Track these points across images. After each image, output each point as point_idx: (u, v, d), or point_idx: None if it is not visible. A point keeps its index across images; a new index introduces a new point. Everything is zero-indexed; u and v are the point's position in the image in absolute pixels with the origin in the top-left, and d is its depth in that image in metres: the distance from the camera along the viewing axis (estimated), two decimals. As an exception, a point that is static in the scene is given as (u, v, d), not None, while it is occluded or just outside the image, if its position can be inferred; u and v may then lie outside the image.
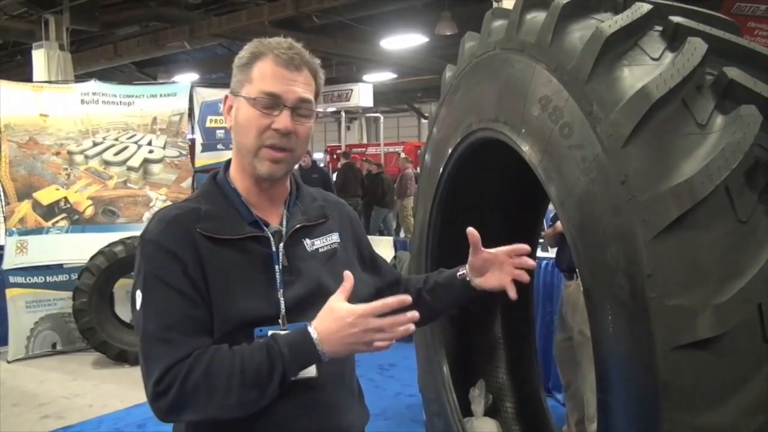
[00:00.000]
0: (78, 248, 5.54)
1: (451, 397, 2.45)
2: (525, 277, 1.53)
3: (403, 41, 11.22)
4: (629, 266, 1.31)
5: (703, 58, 1.32)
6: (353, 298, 1.26)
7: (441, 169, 2.32)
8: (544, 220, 3.13)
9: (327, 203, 1.47)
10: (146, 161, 5.97)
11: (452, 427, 2.41)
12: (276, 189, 1.37)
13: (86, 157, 5.84)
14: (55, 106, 5.82)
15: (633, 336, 1.33)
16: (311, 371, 1.25)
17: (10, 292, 5.51)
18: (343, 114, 16.24)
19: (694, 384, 1.23)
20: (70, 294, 5.33)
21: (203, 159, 6.12)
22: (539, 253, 3.39)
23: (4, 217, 5.65)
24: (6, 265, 5.51)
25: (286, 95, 1.27)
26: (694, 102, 1.31)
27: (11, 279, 5.52)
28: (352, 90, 13.91)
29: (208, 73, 13.94)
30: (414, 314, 1.21)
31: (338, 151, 15.64)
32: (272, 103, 1.27)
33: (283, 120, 1.27)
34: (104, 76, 8.86)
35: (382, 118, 18.52)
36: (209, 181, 1.39)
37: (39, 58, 9.10)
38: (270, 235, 1.32)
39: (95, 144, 5.88)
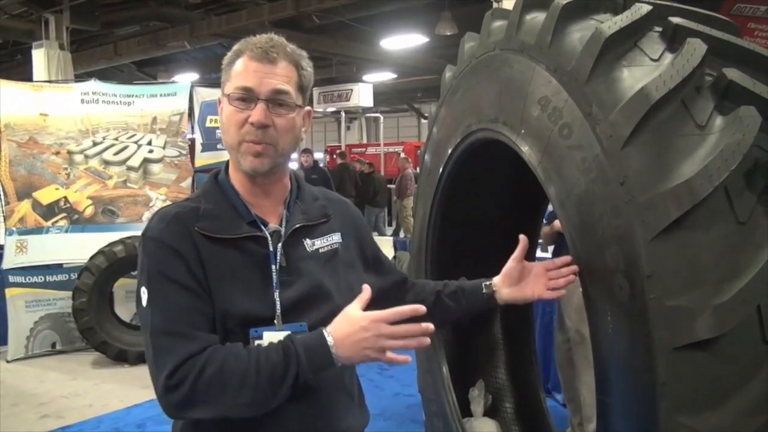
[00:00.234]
0: (78, 248, 5.54)
1: (451, 398, 2.45)
2: (561, 293, 1.55)
3: (403, 41, 11.23)
4: (629, 267, 1.31)
5: (703, 59, 1.32)
6: (353, 299, 1.26)
7: (441, 170, 2.32)
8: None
9: (329, 203, 1.47)
10: (146, 161, 5.97)
11: (451, 427, 2.41)
12: (273, 187, 1.37)
13: (86, 156, 5.84)
14: (55, 105, 5.82)
15: (632, 337, 1.33)
16: None
17: (9, 292, 5.51)
18: (343, 114, 16.26)
19: (693, 385, 1.23)
20: (69, 294, 5.32)
21: (203, 159, 6.11)
22: (538, 253, 3.38)
23: (3, 216, 5.64)
24: (6, 265, 5.50)
25: (259, 88, 1.27)
26: (693, 103, 1.31)
27: (11, 278, 5.51)
28: (352, 90, 13.92)
29: (208, 73, 13.95)
30: (429, 326, 1.20)
31: (337, 151, 15.66)
32: (246, 96, 1.27)
33: (257, 113, 1.26)
34: (104, 76, 8.85)
35: (381, 118, 18.55)
36: (210, 180, 1.39)
37: (39, 57, 9.11)
38: (268, 235, 1.32)
39: (95, 144, 5.88)
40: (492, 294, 1.58)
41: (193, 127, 6.26)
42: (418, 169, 6.65)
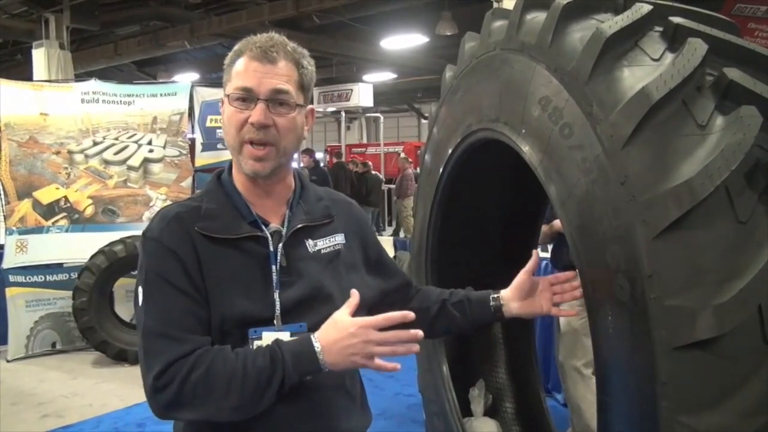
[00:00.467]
0: (78, 247, 5.54)
1: (451, 397, 2.45)
2: (570, 312, 1.54)
3: (404, 41, 11.23)
4: (629, 267, 1.31)
5: (704, 59, 1.32)
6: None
7: (441, 170, 2.32)
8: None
9: (334, 203, 1.46)
10: (146, 161, 5.97)
11: (452, 427, 2.41)
12: (275, 187, 1.36)
13: (86, 156, 5.84)
14: (56, 105, 5.82)
15: (633, 336, 1.33)
16: None
17: (9, 291, 5.51)
18: (343, 114, 16.24)
19: (694, 385, 1.23)
20: (69, 293, 5.32)
21: (203, 158, 6.11)
22: (540, 254, 3.38)
23: (4, 216, 5.65)
24: (6, 264, 5.50)
25: (259, 88, 1.26)
26: (694, 103, 1.31)
27: (11, 278, 5.51)
28: (352, 90, 13.90)
29: (209, 73, 13.95)
30: (418, 332, 1.20)
31: (336, 152, 15.69)
32: (246, 96, 1.27)
33: (256, 113, 1.26)
34: (104, 76, 8.85)
35: (382, 118, 18.53)
36: (213, 179, 1.39)
37: (39, 57, 9.11)
38: (268, 235, 1.31)
39: (95, 143, 5.88)
40: (499, 307, 1.55)
41: (193, 127, 6.26)
42: (418, 169, 6.65)
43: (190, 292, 1.24)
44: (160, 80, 11.79)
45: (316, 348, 1.19)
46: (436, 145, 2.38)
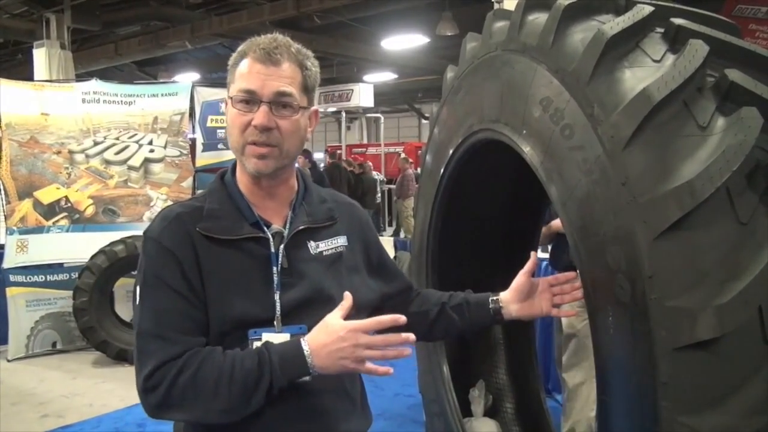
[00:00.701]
0: (78, 247, 5.54)
1: (451, 398, 2.45)
2: (569, 312, 1.54)
3: (404, 41, 11.23)
4: (630, 268, 1.31)
5: (705, 60, 1.32)
6: (356, 303, 1.25)
7: (442, 170, 2.32)
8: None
9: (337, 205, 1.46)
10: (147, 161, 5.97)
11: (452, 427, 2.41)
12: (278, 188, 1.36)
13: (87, 156, 5.85)
14: (56, 105, 5.83)
15: (633, 337, 1.33)
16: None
17: (10, 291, 5.52)
18: (343, 114, 16.24)
19: (694, 385, 1.23)
20: (70, 293, 5.32)
21: (204, 159, 6.12)
22: (539, 254, 3.37)
23: (4, 215, 5.65)
24: (6, 264, 5.51)
25: (262, 90, 1.26)
26: (695, 104, 1.31)
27: (11, 278, 5.52)
28: (352, 90, 13.90)
29: (209, 73, 13.95)
30: (409, 336, 1.20)
31: (338, 152, 15.69)
32: (249, 99, 1.27)
33: (259, 115, 1.25)
34: (105, 75, 8.85)
35: (382, 118, 18.54)
36: (216, 180, 1.39)
37: (40, 56, 9.11)
38: (270, 236, 1.31)
39: (96, 143, 5.89)
40: (498, 309, 1.55)
41: (194, 127, 6.27)
42: (418, 170, 6.66)
43: (186, 293, 1.24)
44: (161, 80, 11.78)
45: (305, 351, 1.19)
46: (437, 145, 2.38)
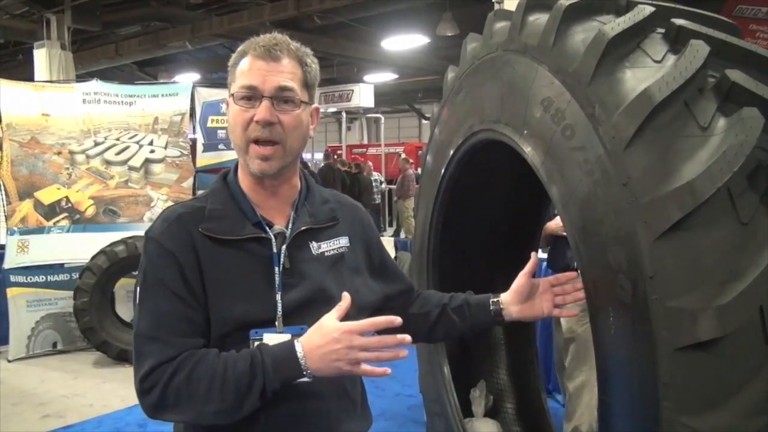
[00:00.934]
0: (79, 248, 5.55)
1: (452, 398, 2.45)
2: (571, 312, 1.53)
3: (405, 42, 11.22)
4: (631, 268, 1.31)
5: (706, 61, 1.32)
6: (358, 304, 1.25)
7: (443, 171, 2.32)
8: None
9: (340, 206, 1.45)
10: (147, 161, 5.98)
11: (453, 427, 2.41)
12: (281, 188, 1.36)
13: (87, 156, 5.85)
14: (57, 105, 5.83)
15: (634, 337, 1.33)
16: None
17: (11, 292, 5.52)
18: (343, 114, 16.23)
19: (695, 385, 1.23)
20: (71, 293, 5.33)
21: (204, 159, 6.13)
22: (540, 254, 3.37)
23: (5, 216, 5.65)
24: (7, 265, 5.51)
25: (263, 85, 1.26)
26: (696, 104, 1.31)
27: (12, 278, 5.52)
28: (352, 90, 13.90)
29: (210, 73, 13.94)
30: (405, 337, 1.19)
31: (338, 152, 15.68)
32: (250, 95, 1.27)
33: (261, 110, 1.26)
34: (105, 76, 8.86)
35: (382, 118, 18.51)
36: (219, 180, 1.39)
37: (40, 57, 9.11)
38: (272, 237, 1.31)
39: (97, 144, 5.89)
40: (499, 311, 1.54)
41: (194, 128, 6.27)
42: (419, 170, 6.66)
43: (185, 296, 1.24)
44: (162, 81, 11.79)
45: (298, 353, 1.18)
46: (438, 145, 2.38)
